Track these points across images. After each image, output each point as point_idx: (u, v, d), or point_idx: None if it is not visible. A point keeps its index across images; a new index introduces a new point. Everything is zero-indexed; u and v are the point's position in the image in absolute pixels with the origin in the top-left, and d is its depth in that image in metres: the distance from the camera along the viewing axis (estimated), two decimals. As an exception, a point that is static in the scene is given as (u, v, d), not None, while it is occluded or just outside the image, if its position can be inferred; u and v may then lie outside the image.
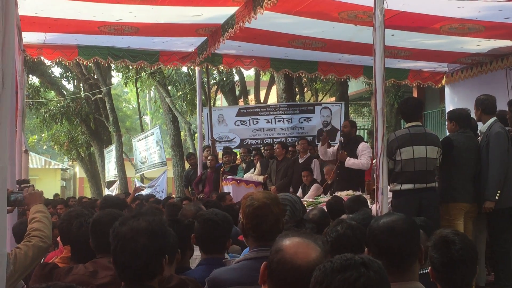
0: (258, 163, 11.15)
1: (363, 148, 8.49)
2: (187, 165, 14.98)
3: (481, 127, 6.63)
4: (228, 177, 10.71)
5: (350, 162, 8.39)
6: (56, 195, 21.48)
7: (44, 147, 39.23)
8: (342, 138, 9.20)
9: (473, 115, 6.81)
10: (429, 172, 6.23)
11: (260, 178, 10.70)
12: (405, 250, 2.55)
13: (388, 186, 6.16)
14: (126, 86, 26.30)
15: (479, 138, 6.69)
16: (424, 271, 3.60)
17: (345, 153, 8.49)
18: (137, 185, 20.02)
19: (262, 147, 11.85)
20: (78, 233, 3.51)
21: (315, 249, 2.05)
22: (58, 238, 6.68)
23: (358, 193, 7.68)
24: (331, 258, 1.82)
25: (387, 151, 6.10)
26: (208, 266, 3.35)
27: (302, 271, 1.96)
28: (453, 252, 2.79)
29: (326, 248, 2.09)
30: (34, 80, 24.32)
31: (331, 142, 10.38)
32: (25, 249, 3.31)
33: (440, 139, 6.60)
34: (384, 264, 2.40)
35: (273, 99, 21.52)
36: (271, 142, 13.05)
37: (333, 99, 19.77)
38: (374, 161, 6.20)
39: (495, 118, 6.48)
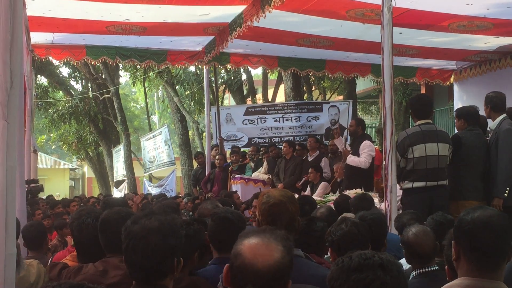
0: (265, 162, 11.13)
1: (364, 146, 8.36)
2: (195, 164, 14.98)
3: (491, 124, 6.60)
4: (236, 176, 10.70)
5: (350, 159, 8.34)
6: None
7: (53, 147, 39.41)
8: (339, 137, 9.25)
9: (482, 112, 6.77)
10: (441, 169, 6.20)
11: (265, 177, 10.67)
12: (499, 247, 2.36)
13: (398, 185, 6.16)
14: (134, 85, 26.36)
15: (489, 135, 6.66)
16: (430, 269, 3.58)
17: (350, 151, 8.47)
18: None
19: (267, 149, 11.73)
20: (79, 233, 3.50)
21: (275, 249, 1.98)
22: (67, 237, 6.77)
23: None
24: (350, 254, 1.77)
25: (398, 149, 6.08)
26: (221, 265, 3.30)
27: (263, 275, 1.92)
28: None
29: (288, 244, 2.02)
30: (43, 80, 24.38)
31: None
32: None
33: (449, 137, 6.56)
34: (474, 260, 2.28)
35: (281, 98, 21.49)
36: (279, 141, 13.04)
37: (341, 97, 19.72)
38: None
39: (504, 115, 6.43)
